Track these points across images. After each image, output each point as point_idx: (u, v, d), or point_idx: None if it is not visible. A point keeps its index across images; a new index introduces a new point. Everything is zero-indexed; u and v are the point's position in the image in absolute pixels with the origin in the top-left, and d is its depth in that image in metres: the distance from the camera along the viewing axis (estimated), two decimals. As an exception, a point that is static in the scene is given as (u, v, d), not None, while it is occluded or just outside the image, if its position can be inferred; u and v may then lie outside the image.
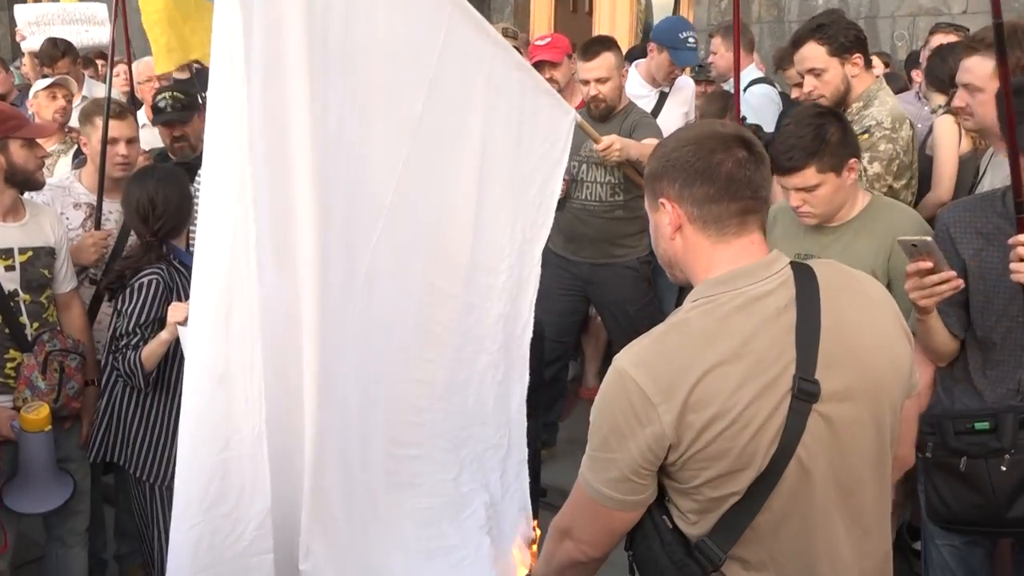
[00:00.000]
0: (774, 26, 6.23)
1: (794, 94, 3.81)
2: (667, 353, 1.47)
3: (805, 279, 1.52)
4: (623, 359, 1.50)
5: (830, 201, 2.49)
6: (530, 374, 2.97)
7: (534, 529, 2.38)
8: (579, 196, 3.72)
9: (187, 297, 2.72)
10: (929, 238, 2.10)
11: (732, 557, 1.48)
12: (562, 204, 3.72)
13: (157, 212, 2.92)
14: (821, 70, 3.02)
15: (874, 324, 1.56)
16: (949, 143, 3.53)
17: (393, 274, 2.07)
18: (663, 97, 4.32)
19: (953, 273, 2.08)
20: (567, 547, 1.63)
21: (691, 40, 4.21)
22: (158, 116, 3.80)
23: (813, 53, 3.02)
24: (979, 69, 2.52)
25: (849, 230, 2.56)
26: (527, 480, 2.32)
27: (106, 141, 3.25)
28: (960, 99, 2.71)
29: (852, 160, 2.48)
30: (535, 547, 2.24)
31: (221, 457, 1.74)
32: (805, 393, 1.43)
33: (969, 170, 3.60)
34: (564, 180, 3.64)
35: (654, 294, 3.94)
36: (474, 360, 2.26)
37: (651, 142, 3.48)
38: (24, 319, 2.90)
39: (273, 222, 1.73)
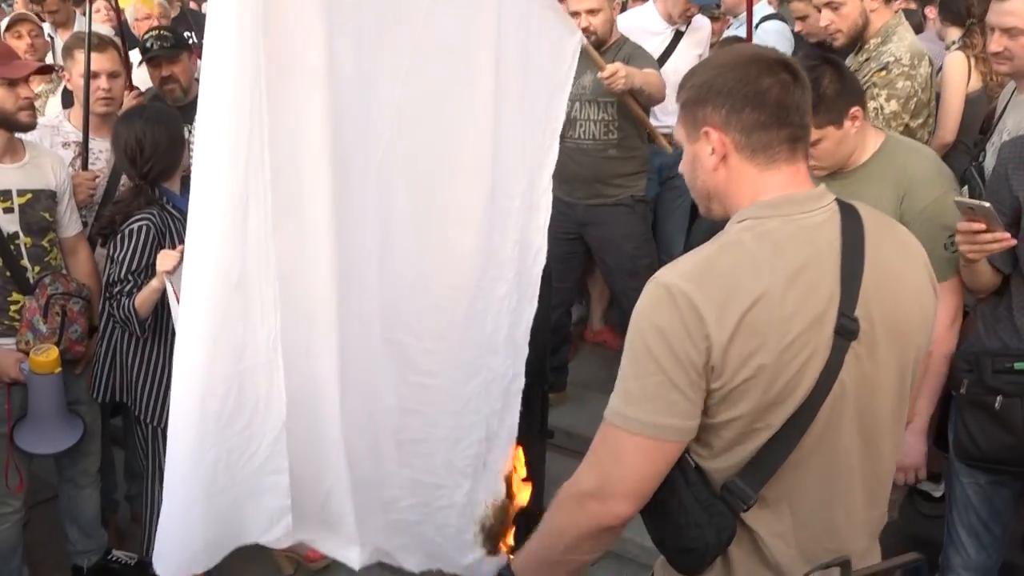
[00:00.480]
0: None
1: (797, 27, 3.71)
2: (720, 272, 1.38)
3: (850, 217, 1.47)
4: (669, 275, 1.40)
5: (834, 154, 2.37)
6: (540, 313, 2.99)
7: (514, 464, 2.36)
8: (572, 135, 3.63)
9: (181, 242, 2.68)
10: (987, 204, 2.04)
11: (766, 506, 1.43)
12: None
13: (145, 154, 2.86)
14: (839, 3, 2.94)
15: (909, 272, 1.53)
16: (958, 82, 3.46)
17: (414, 190, 1.98)
18: (678, 36, 4.21)
19: (1007, 234, 2.05)
20: (591, 511, 1.45)
21: None
22: (144, 54, 3.69)
23: None
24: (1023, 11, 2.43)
25: (859, 177, 2.42)
26: (518, 411, 2.29)
27: (89, 76, 3.17)
28: (997, 43, 2.59)
29: (854, 109, 2.33)
30: (513, 479, 2.22)
31: (237, 369, 1.67)
32: (845, 330, 1.39)
33: (978, 106, 3.54)
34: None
35: (652, 235, 3.90)
36: (493, 288, 2.18)
37: (652, 71, 3.43)
38: (25, 262, 2.87)
39: (288, 132, 1.66)
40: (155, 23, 4.48)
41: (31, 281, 2.88)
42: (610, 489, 1.43)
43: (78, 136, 3.27)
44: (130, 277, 2.80)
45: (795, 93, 1.44)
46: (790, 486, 1.45)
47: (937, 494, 3.27)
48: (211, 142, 1.62)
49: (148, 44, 3.67)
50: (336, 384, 1.76)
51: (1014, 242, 2.08)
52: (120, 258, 2.81)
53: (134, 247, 2.80)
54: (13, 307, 2.87)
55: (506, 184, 2.17)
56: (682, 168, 1.60)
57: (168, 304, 2.72)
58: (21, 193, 2.85)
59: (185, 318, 1.68)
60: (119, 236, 2.84)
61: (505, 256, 2.19)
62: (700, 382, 1.37)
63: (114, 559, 3.36)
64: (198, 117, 1.63)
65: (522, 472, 2.30)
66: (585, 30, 3.39)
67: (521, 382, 2.22)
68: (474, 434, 2.19)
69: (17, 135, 2.87)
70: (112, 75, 3.28)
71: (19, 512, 3.03)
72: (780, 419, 1.39)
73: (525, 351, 2.26)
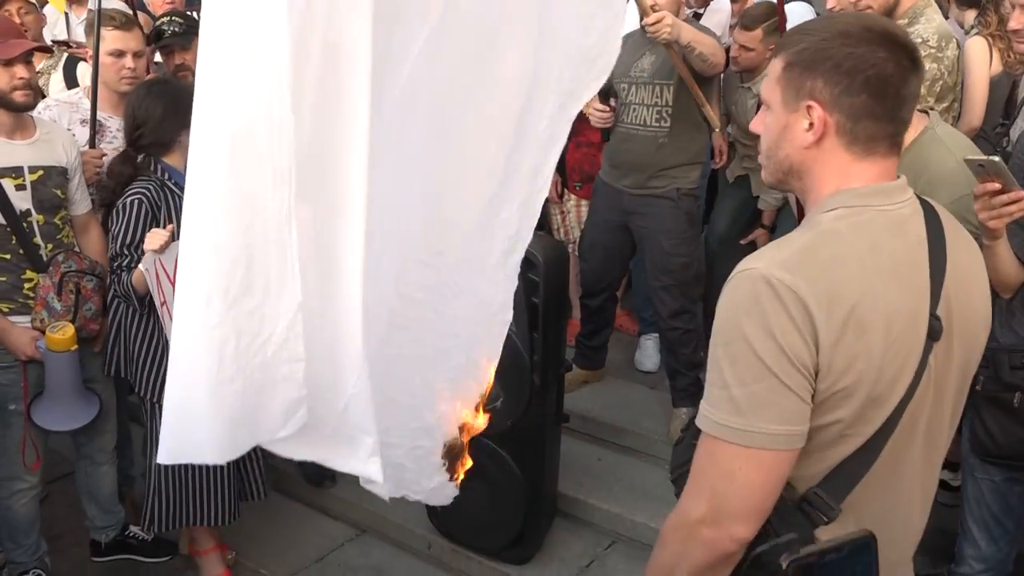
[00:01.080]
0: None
1: (829, 4, 3.64)
2: (822, 264, 1.25)
3: (930, 212, 1.37)
4: (767, 265, 1.25)
5: None
6: (550, 295, 2.96)
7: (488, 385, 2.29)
8: (624, 119, 3.55)
9: (179, 219, 2.68)
10: (997, 158, 1.98)
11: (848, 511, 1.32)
12: (610, 130, 3.63)
13: (137, 121, 2.88)
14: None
15: (978, 272, 1.44)
16: (981, 66, 3.39)
17: (438, 93, 1.84)
18: (696, 18, 4.10)
19: (1023, 193, 1.96)
20: (706, 539, 1.30)
21: None
22: (157, 42, 3.63)
23: None
24: None
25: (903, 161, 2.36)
26: (503, 337, 2.18)
27: (98, 55, 3.13)
28: (1017, 20, 2.55)
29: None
30: (480, 405, 2.16)
31: (245, 240, 1.52)
32: (933, 331, 1.29)
33: (1000, 90, 3.48)
34: (611, 104, 3.54)
35: (697, 232, 3.77)
36: (498, 211, 2.11)
37: (708, 38, 3.29)
38: (38, 240, 2.84)
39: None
40: (170, 3, 4.47)
41: (44, 259, 2.85)
42: (726, 511, 1.28)
43: (101, 115, 3.22)
44: (126, 251, 2.80)
45: (912, 84, 1.31)
46: (860, 496, 1.33)
47: (956, 483, 3.24)
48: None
49: (161, 30, 3.62)
50: (358, 280, 1.60)
51: None
52: (115, 233, 2.82)
53: (126, 221, 2.80)
54: (27, 285, 2.85)
55: (539, 105, 2.07)
56: (756, 127, 1.45)
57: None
58: (33, 170, 2.82)
59: (190, 184, 1.55)
60: (114, 210, 2.85)
61: (516, 181, 2.09)
62: (810, 382, 1.24)
63: (131, 535, 3.37)
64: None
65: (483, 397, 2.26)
66: (652, 7, 3.30)
67: (509, 315, 2.12)
68: (454, 357, 2.09)
69: (28, 113, 2.85)
70: (136, 54, 3.24)
71: (36, 488, 3.04)
72: (874, 426, 1.29)
73: (514, 284, 2.16)
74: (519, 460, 3.04)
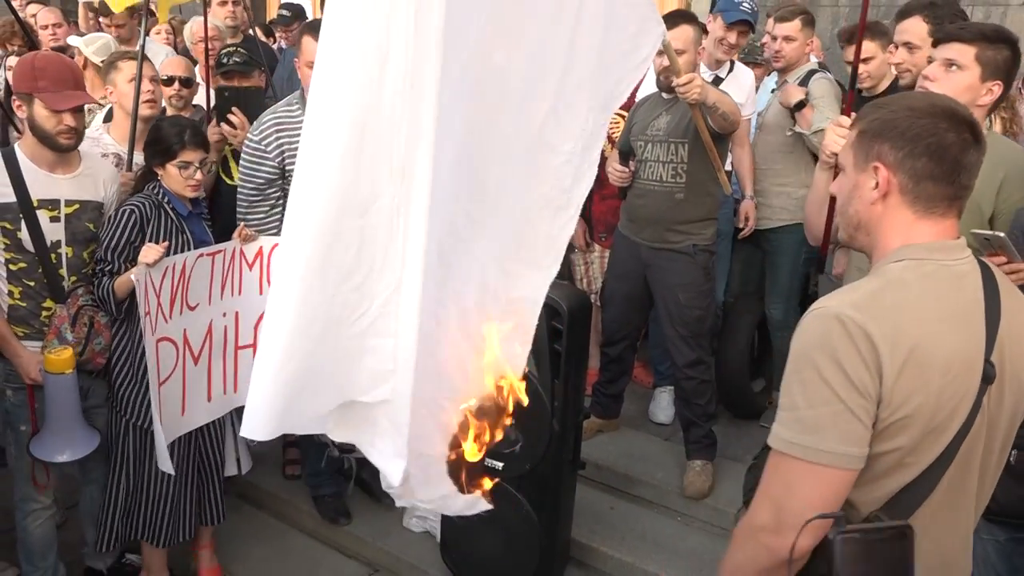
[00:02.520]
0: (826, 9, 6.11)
1: (862, 70, 3.66)
2: (887, 307, 1.40)
3: (987, 269, 1.53)
4: (838, 306, 1.39)
5: (956, 93, 2.31)
6: (573, 343, 2.97)
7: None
8: (641, 175, 3.63)
9: (164, 238, 2.95)
10: (1002, 233, 2.11)
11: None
12: (628, 188, 3.72)
13: (148, 139, 3.08)
14: (916, 47, 2.91)
15: None
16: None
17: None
18: (716, 82, 4.12)
19: (1023, 264, 2.08)
20: (767, 544, 1.43)
21: (745, 4, 4.11)
22: (219, 68, 3.81)
23: (915, 28, 2.92)
24: None
25: None
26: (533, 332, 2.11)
27: (139, 88, 3.29)
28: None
29: (998, 83, 2.38)
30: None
31: (359, 224, 1.63)
32: (987, 375, 1.42)
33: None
34: (630, 165, 3.64)
35: (712, 286, 3.79)
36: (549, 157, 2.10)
37: (728, 97, 3.38)
38: (63, 271, 2.89)
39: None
40: (211, 45, 4.64)
41: (65, 290, 2.90)
42: (785, 521, 1.41)
43: (116, 147, 3.37)
44: (110, 257, 2.91)
45: (971, 154, 1.46)
46: (923, 524, 1.42)
47: None
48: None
49: (223, 60, 3.79)
50: (420, 274, 1.68)
51: None
52: (104, 238, 2.95)
53: (116, 228, 2.94)
54: (45, 313, 2.88)
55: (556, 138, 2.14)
56: (835, 190, 1.63)
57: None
58: (69, 203, 2.88)
59: (310, 170, 1.64)
60: (107, 217, 3.00)
61: (573, 127, 2.15)
62: (872, 410, 1.37)
63: (128, 562, 3.36)
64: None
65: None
66: (667, 68, 3.35)
67: (542, 293, 2.09)
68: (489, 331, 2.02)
69: None
70: (153, 79, 3.42)
71: (51, 509, 3.05)
72: (931, 456, 1.41)
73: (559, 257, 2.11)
74: (536, 504, 3.03)
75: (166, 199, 3.05)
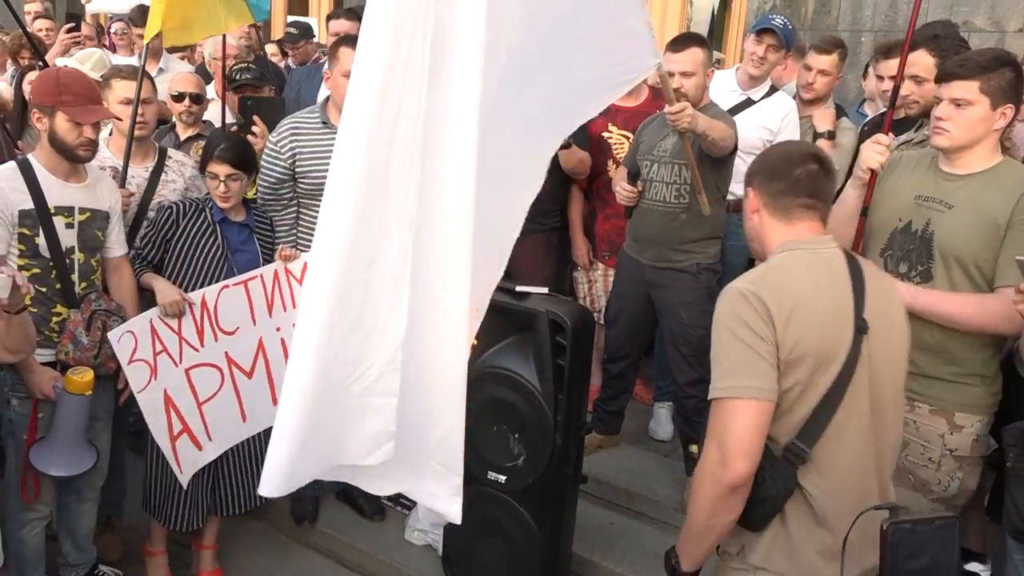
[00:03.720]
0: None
1: (883, 87, 3.68)
2: (772, 279, 1.91)
3: (849, 254, 2.03)
4: (738, 285, 1.90)
5: (971, 128, 2.45)
6: (576, 358, 2.98)
7: None
8: (646, 195, 3.65)
9: (196, 237, 3.19)
10: None
11: (809, 466, 1.87)
12: (633, 207, 3.74)
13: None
14: (923, 79, 2.97)
15: (895, 304, 2.06)
16: None
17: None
18: (747, 104, 4.08)
19: None
20: (718, 477, 1.83)
21: (777, 20, 4.09)
22: (231, 84, 3.87)
23: (921, 61, 2.96)
24: None
25: (978, 180, 2.51)
26: None
27: (138, 104, 3.34)
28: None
29: (1010, 106, 2.44)
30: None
31: (365, 275, 1.63)
32: (858, 327, 1.90)
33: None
34: (638, 185, 3.65)
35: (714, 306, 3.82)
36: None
37: (722, 123, 3.39)
38: (75, 277, 2.93)
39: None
40: (231, 62, 4.71)
41: (78, 295, 2.95)
42: (729, 452, 1.81)
43: (113, 160, 3.39)
44: (141, 244, 3.18)
45: (818, 179, 2.00)
46: (831, 450, 1.87)
47: (986, 574, 3.24)
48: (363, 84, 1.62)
49: (235, 76, 3.86)
50: (465, 317, 1.68)
51: None
52: (142, 228, 3.25)
53: (154, 221, 3.22)
54: (55, 319, 2.91)
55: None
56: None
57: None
58: (82, 211, 2.93)
59: (325, 224, 1.64)
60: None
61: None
62: (774, 352, 1.83)
63: (100, 573, 3.33)
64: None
65: None
66: (676, 91, 3.43)
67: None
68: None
69: None
70: (145, 101, 3.41)
71: (46, 519, 3.05)
72: (823, 388, 1.86)
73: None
74: (538, 518, 3.02)
75: (210, 203, 3.26)
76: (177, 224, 3.19)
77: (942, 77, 2.52)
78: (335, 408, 1.66)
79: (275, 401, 3.27)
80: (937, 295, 2.50)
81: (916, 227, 2.58)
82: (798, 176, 1.98)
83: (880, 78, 3.66)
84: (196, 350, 3.14)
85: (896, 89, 2.76)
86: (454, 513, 1.81)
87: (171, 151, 3.58)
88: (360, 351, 1.66)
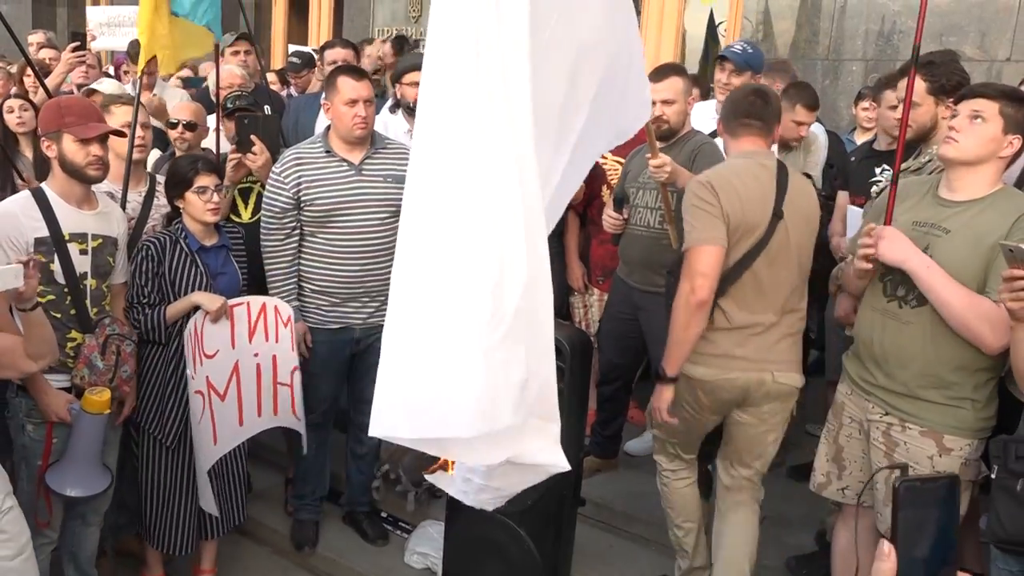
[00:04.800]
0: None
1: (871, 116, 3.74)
2: (719, 175, 2.90)
3: (782, 166, 2.97)
4: (699, 178, 2.92)
5: (980, 144, 2.49)
6: (574, 380, 3.01)
7: None
8: (632, 221, 3.75)
9: (177, 271, 3.20)
10: None
11: (727, 294, 2.87)
12: (621, 234, 3.83)
13: (167, 179, 3.32)
14: (916, 104, 2.99)
15: (810, 204, 3.02)
16: None
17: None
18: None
19: None
20: (689, 299, 2.80)
21: (737, 47, 4.33)
22: (225, 111, 3.96)
23: (915, 86, 2.93)
24: None
25: (977, 206, 2.55)
26: None
27: (135, 131, 3.41)
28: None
29: (1019, 136, 2.49)
30: None
31: (491, 234, 1.60)
32: (777, 213, 2.88)
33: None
34: (623, 212, 3.74)
35: None
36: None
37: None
38: (88, 302, 2.97)
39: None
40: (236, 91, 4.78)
41: (91, 320, 2.98)
42: (696, 279, 2.79)
43: (108, 186, 3.37)
44: (140, 295, 3.18)
45: (759, 106, 2.96)
46: (741, 284, 2.89)
47: None
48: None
49: (228, 104, 3.94)
50: (546, 259, 1.70)
51: None
52: (131, 283, 3.21)
53: (136, 270, 3.20)
54: (70, 344, 2.93)
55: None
56: None
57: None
58: (95, 237, 2.98)
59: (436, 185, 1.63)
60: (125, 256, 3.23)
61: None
62: (722, 217, 2.80)
63: None
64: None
65: None
66: (658, 118, 3.51)
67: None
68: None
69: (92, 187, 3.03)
70: (143, 125, 3.49)
71: (54, 544, 3.06)
72: (748, 246, 2.86)
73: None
74: (537, 541, 3.03)
75: (183, 234, 3.23)
76: (160, 261, 3.19)
77: (965, 96, 2.56)
78: (474, 363, 1.58)
79: (241, 422, 3.31)
80: (942, 277, 2.50)
81: None
82: (739, 103, 2.98)
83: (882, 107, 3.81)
84: (192, 378, 3.17)
85: (906, 118, 2.74)
86: (562, 461, 1.75)
87: (159, 176, 3.62)
88: (495, 298, 1.59)
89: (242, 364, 3.27)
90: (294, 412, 3.39)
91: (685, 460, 3.26)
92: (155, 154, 4.23)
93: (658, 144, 3.73)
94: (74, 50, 4.99)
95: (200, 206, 3.20)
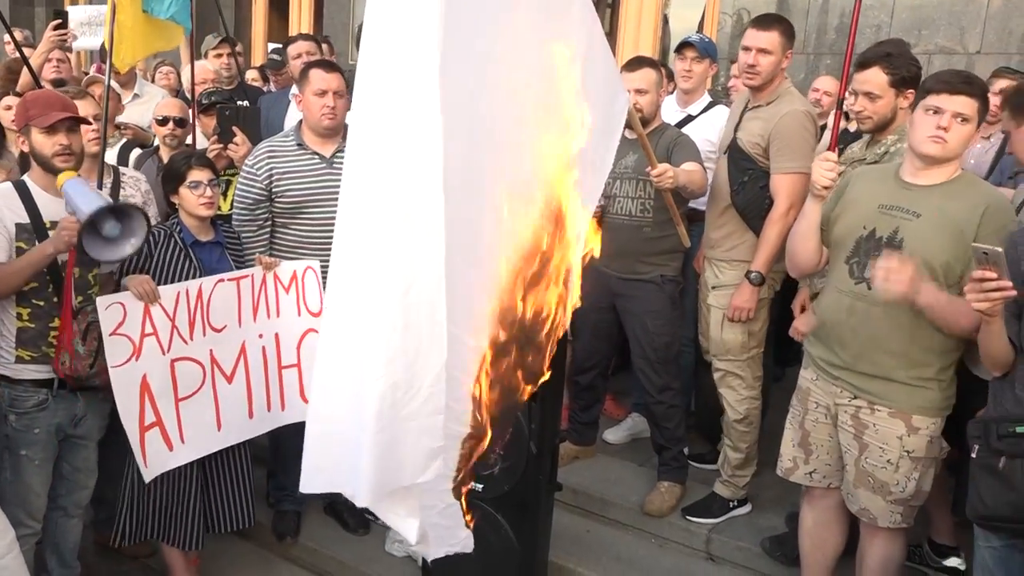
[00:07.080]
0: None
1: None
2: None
3: None
4: (802, 108, 3.37)
5: (964, 143, 2.63)
6: (553, 372, 3.11)
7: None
8: (611, 210, 3.74)
9: (169, 264, 3.18)
10: (1000, 249, 2.13)
11: None
12: (601, 220, 3.82)
13: (163, 175, 3.34)
14: (877, 96, 3.04)
15: None
16: None
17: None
18: (688, 119, 4.25)
19: (1009, 283, 2.13)
20: (787, 218, 3.24)
21: (693, 36, 4.29)
22: (200, 108, 3.96)
23: (875, 78, 3.03)
24: None
25: (942, 190, 2.62)
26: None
27: (107, 123, 3.44)
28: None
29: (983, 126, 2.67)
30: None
31: (403, 304, 1.65)
32: None
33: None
34: (601, 202, 3.73)
35: (679, 315, 3.89)
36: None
37: (693, 166, 3.50)
38: (73, 292, 2.93)
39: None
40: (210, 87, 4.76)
41: (73, 309, 2.94)
42: (792, 204, 3.26)
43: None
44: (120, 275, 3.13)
45: None
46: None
47: (963, 567, 3.28)
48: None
49: (203, 101, 3.95)
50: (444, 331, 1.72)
51: (1015, 292, 2.15)
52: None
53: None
54: (53, 332, 2.92)
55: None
56: None
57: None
58: None
59: (350, 251, 1.69)
60: None
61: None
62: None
63: None
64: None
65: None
66: (632, 107, 3.55)
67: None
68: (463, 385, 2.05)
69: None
70: (95, 117, 3.42)
71: (38, 535, 3.05)
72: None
73: None
74: (515, 526, 3.06)
75: (178, 228, 3.26)
76: (151, 254, 3.18)
77: (946, 90, 2.58)
78: (390, 435, 1.70)
79: (251, 414, 3.32)
80: (950, 303, 2.55)
81: (881, 234, 2.68)
82: None
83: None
84: (185, 342, 3.11)
85: (840, 102, 2.89)
86: (408, 531, 1.92)
87: (122, 168, 3.60)
88: (408, 375, 1.69)
89: (249, 346, 3.29)
90: (302, 395, 3.38)
91: None
92: (137, 151, 4.22)
93: (629, 137, 3.76)
94: (55, 28, 4.88)
95: (193, 200, 3.22)
